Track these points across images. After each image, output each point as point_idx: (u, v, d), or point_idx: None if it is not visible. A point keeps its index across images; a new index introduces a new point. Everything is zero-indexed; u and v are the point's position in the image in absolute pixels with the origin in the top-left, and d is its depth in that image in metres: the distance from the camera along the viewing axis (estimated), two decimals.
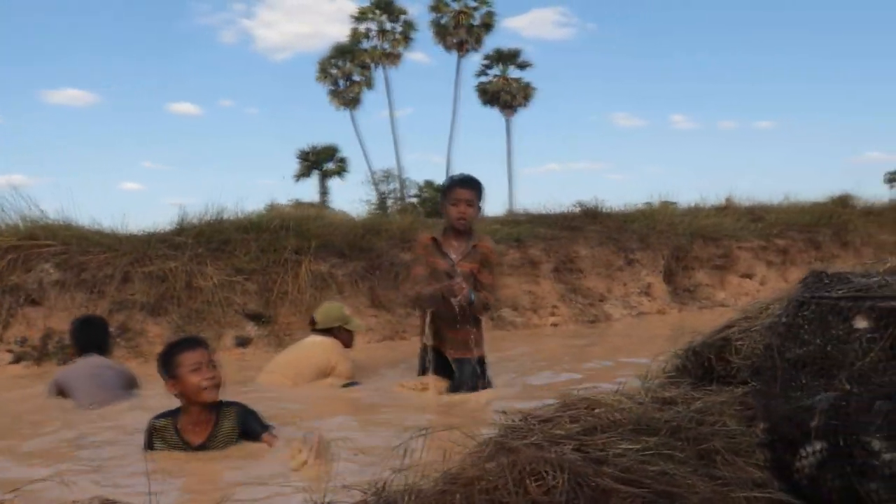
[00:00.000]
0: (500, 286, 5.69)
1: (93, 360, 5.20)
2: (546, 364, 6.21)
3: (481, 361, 4.89)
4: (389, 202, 40.36)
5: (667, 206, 11.54)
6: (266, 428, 3.59)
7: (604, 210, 10.37)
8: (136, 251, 7.46)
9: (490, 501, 1.59)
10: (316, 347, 5.60)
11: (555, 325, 8.71)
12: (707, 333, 2.94)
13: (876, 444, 1.34)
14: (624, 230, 10.02)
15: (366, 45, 44.90)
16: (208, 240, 7.83)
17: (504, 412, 2.51)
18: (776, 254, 10.82)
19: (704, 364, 2.76)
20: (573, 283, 9.27)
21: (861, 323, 1.38)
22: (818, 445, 1.43)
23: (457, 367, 4.84)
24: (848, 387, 1.36)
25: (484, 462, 1.73)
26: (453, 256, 4.81)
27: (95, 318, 5.96)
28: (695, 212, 11.48)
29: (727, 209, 11.89)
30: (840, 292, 1.50)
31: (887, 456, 1.31)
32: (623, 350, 6.80)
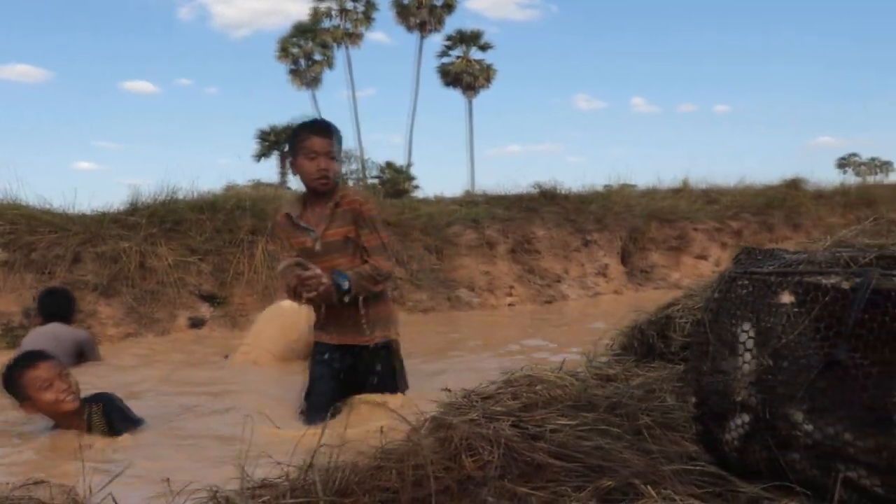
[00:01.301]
0: (392, 242, 4.18)
1: (51, 328, 5.32)
2: (498, 343, 6.24)
3: (388, 348, 3.75)
4: (350, 183, 40.14)
5: (625, 189, 11.63)
6: (133, 423, 3.47)
7: (561, 191, 10.42)
8: (87, 231, 7.35)
9: (424, 476, 1.59)
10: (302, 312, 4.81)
11: (511, 305, 8.75)
12: (651, 312, 2.98)
13: (798, 416, 1.36)
14: (581, 211, 10.08)
15: (327, 24, 44.59)
16: (162, 220, 7.73)
17: (447, 389, 2.52)
18: (730, 235, 10.96)
19: (648, 342, 2.79)
20: (530, 263, 9.31)
21: (786, 298, 1.40)
22: (744, 418, 1.45)
23: (340, 358, 3.74)
24: (772, 361, 1.38)
25: (421, 438, 1.73)
26: (315, 228, 3.68)
27: (60, 289, 6.08)
28: (651, 194, 11.59)
29: (683, 191, 12.01)
30: (769, 268, 1.52)
31: (808, 427, 1.34)
32: (576, 330, 6.85)
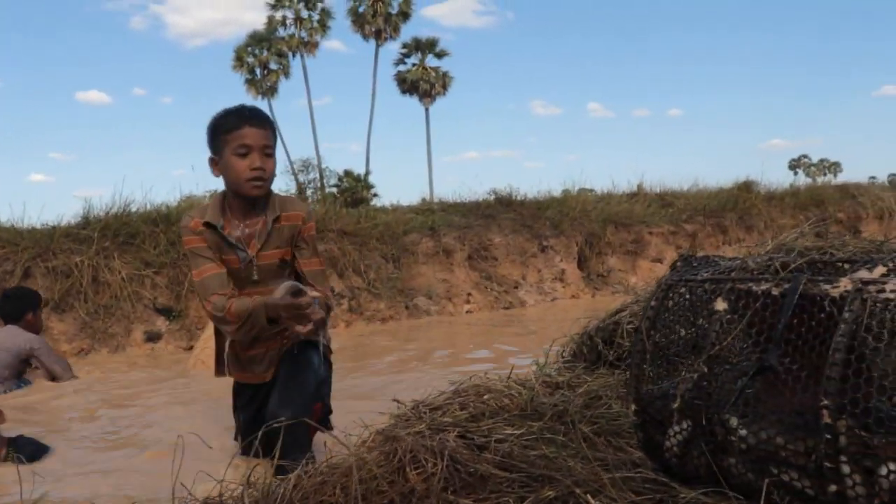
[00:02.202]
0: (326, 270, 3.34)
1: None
2: (456, 350, 6.25)
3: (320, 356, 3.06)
4: (309, 192, 39.97)
5: (582, 194, 11.71)
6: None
7: (517, 198, 10.47)
8: (37, 245, 7.23)
9: (368, 490, 1.59)
10: None
11: (469, 312, 8.76)
12: (600, 318, 3.01)
13: (733, 421, 1.38)
14: (538, 217, 10.13)
15: (282, 33, 44.36)
16: (115, 233, 7.63)
17: (396, 400, 2.52)
18: (685, 238, 11.09)
19: (597, 348, 2.81)
20: (487, 270, 9.34)
21: (720, 305, 1.42)
22: (683, 425, 1.47)
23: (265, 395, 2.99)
24: (706, 368, 1.40)
25: (366, 452, 1.73)
26: (246, 247, 2.97)
27: (11, 289, 5.95)
28: (607, 198, 11.68)
29: (638, 196, 12.12)
30: (705, 275, 1.54)
31: (742, 432, 1.36)
32: (533, 336, 6.87)
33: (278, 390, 2.89)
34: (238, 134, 2.90)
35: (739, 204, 11.92)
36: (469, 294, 8.98)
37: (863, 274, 1.31)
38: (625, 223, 10.65)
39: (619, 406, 2.15)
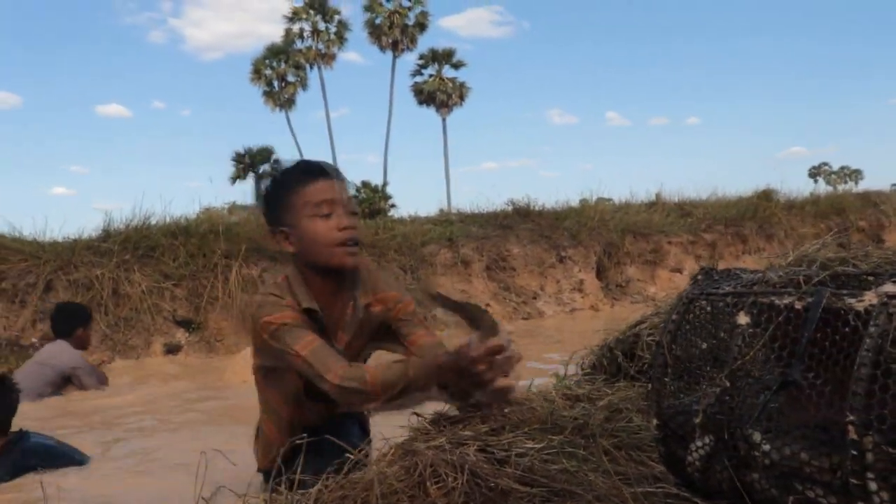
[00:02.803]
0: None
1: (46, 351, 5.43)
2: None
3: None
4: None
5: (600, 203, 11.70)
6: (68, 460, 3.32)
7: (535, 208, 10.47)
8: (59, 258, 7.32)
9: None
10: None
11: None
12: (620, 330, 2.99)
13: (756, 437, 1.37)
14: (556, 227, 10.13)
15: (300, 45, 44.69)
16: (135, 246, 7.72)
17: (416, 413, 2.51)
18: (704, 248, 11.05)
19: (617, 361, 2.80)
20: (506, 281, 9.34)
21: (743, 319, 1.41)
22: (706, 439, 1.46)
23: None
24: (729, 382, 1.39)
25: (386, 466, 1.73)
26: (334, 337, 2.41)
27: (63, 304, 6.14)
28: (625, 208, 11.67)
29: (657, 205, 12.09)
30: (727, 289, 1.53)
31: (766, 447, 1.35)
32: (552, 347, 6.86)
33: None
34: (313, 190, 2.29)
35: (759, 213, 11.88)
36: (487, 304, 8.97)
37: (889, 287, 1.30)
38: (643, 233, 10.63)
39: (639, 419, 2.13)
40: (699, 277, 1.64)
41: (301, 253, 2.36)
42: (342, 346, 2.39)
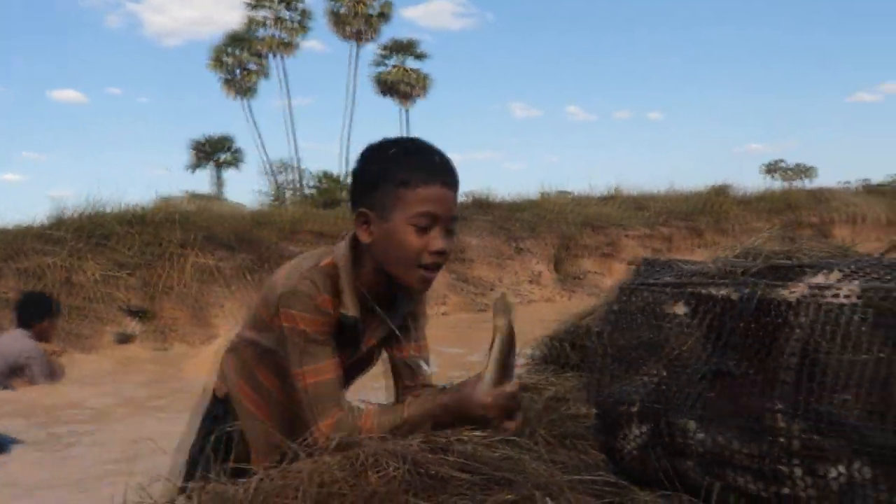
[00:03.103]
0: None
1: (3, 340, 5.40)
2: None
3: None
4: (287, 193, 39.83)
5: (559, 196, 11.77)
6: None
7: (493, 200, 10.50)
8: (8, 247, 7.18)
9: (329, 494, 1.59)
10: None
11: (445, 314, 8.77)
12: (570, 321, 3.02)
13: (690, 425, 1.39)
14: (513, 219, 10.17)
15: (261, 33, 44.19)
16: (89, 234, 7.60)
17: (367, 402, 2.52)
18: (660, 241, 11.17)
19: (566, 351, 2.83)
20: (463, 272, 9.36)
21: (680, 309, 1.44)
22: (642, 428, 1.48)
23: None
24: (665, 372, 1.41)
25: (329, 456, 1.72)
26: (363, 341, 2.16)
27: (26, 293, 6.14)
28: (583, 201, 11.75)
29: (615, 198, 12.20)
30: (666, 279, 1.55)
31: (700, 435, 1.37)
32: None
33: None
34: (426, 194, 1.94)
35: (714, 207, 12.04)
36: (444, 296, 8.99)
37: (819, 279, 1.32)
38: (600, 226, 10.72)
39: (584, 408, 2.15)
40: (640, 268, 1.66)
41: (374, 249, 2.01)
42: (366, 347, 2.17)
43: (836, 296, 1.25)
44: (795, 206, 12.80)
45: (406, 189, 1.92)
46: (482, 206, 10.33)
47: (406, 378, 2.20)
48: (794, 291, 1.31)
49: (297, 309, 1.97)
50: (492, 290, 9.39)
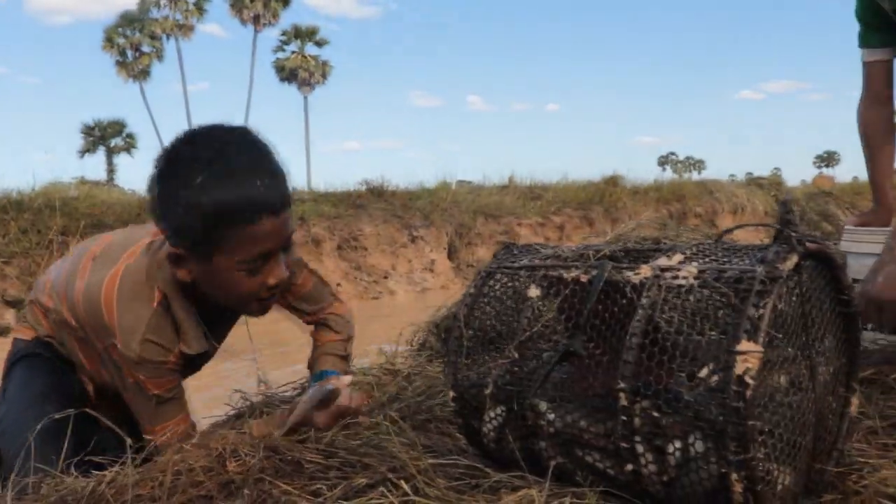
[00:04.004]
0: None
1: None
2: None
3: None
4: None
5: (458, 185, 11.83)
6: None
7: (389, 188, 10.49)
8: None
9: (186, 483, 1.55)
10: None
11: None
12: (449, 306, 3.03)
13: (542, 406, 1.41)
14: (409, 208, 10.18)
15: (156, 14, 42.95)
16: None
17: (239, 391, 2.48)
18: (554, 230, 11.37)
19: (442, 336, 2.84)
20: (357, 260, 9.32)
21: (534, 292, 1.45)
22: (497, 410, 1.49)
23: None
24: (517, 354, 1.43)
25: (189, 447, 1.69)
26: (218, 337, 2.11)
27: None
28: (478, 190, 11.84)
29: (509, 188, 12.33)
30: (522, 262, 1.57)
31: (551, 416, 1.39)
32: (402, 327, 6.88)
33: None
34: (253, 234, 1.65)
35: (606, 197, 12.30)
36: (338, 284, 8.93)
37: (662, 261, 1.36)
38: (495, 215, 10.83)
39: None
40: (500, 252, 1.67)
41: (200, 285, 1.79)
42: (219, 342, 2.06)
43: (676, 277, 1.28)
44: (684, 197, 13.21)
45: (228, 230, 1.63)
46: (377, 194, 10.30)
47: (305, 312, 2.20)
48: (639, 273, 1.34)
49: (145, 375, 1.83)
50: (385, 277, 9.38)
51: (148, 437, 1.87)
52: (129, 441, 1.68)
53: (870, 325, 2.41)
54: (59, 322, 2.05)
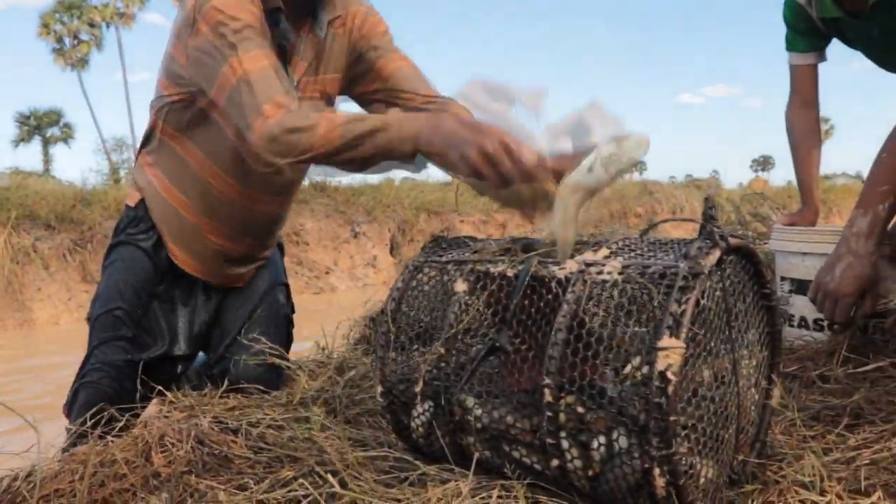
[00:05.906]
0: None
1: None
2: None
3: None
4: (123, 172, 38.09)
5: (404, 182, 11.80)
6: None
7: (332, 183, 10.43)
8: None
9: (109, 476, 1.52)
10: None
11: None
12: (384, 300, 3.02)
13: (469, 401, 1.41)
14: (351, 203, 10.13)
15: (95, 1, 41.96)
16: None
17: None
18: (496, 227, 11.41)
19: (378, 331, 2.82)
20: (299, 255, 9.24)
21: (461, 286, 1.45)
22: (426, 405, 1.49)
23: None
24: (444, 349, 1.43)
25: (114, 437, 1.66)
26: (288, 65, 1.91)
27: None
28: (421, 186, 11.84)
29: (452, 184, 12.36)
30: (451, 256, 1.57)
31: (478, 411, 1.39)
32: (342, 322, 6.84)
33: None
34: None
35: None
36: None
37: (587, 256, 1.37)
38: (437, 211, 10.84)
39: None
40: (428, 246, 1.67)
41: None
42: (298, 76, 1.87)
43: (601, 272, 1.29)
44: (624, 197, 13.40)
45: None
46: (320, 189, 10.24)
47: (414, 96, 1.92)
48: (565, 268, 1.35)
49: (218, 1, 1.79)
50: (327, 273, 9.33)
51: (257, 132, 1.63)
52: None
53: (795, 323, 2.46)
54: (160, 111, 2.22)
